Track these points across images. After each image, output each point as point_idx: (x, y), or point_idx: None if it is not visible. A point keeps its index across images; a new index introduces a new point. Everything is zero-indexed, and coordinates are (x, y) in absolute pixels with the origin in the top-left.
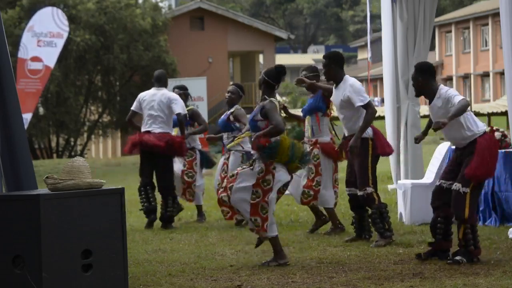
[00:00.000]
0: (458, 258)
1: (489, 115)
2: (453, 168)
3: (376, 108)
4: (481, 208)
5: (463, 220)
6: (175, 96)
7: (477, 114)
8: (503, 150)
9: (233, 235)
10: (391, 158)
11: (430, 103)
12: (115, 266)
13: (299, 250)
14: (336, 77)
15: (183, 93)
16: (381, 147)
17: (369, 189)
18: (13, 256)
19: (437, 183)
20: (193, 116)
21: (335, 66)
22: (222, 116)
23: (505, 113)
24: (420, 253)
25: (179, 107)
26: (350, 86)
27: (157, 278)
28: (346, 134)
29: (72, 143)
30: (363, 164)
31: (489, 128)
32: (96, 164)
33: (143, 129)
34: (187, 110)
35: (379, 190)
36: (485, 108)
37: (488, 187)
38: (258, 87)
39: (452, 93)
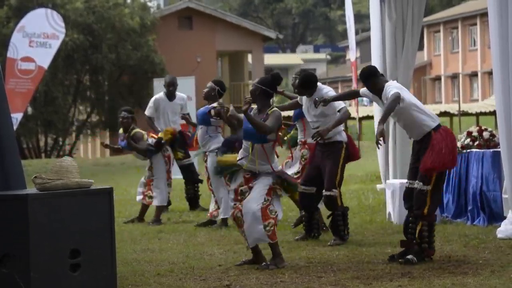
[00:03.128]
0: (409, 257)
1: (478, 114)
2: (415, 165)
3: (365, 107)
4: (469, 208)
5: (421, 216)
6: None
7: (466, 113)
8: (491, 150)
9: (221, 235)
10: (380, 158)
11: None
12: (103, 266)
13: (288, 249)
14: (311, 92)
15: (131, 117)
16: (353, 153)
17: (335, 192)
18: (1, 256)
19: (406, 185)
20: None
21: (314, 85)
22: (203, 108)
23: (493, 113)
24: (393, 254)
25: None
26: (327, 93)
27: (145, 278)
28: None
29: (61, 143)
30: (334, 166)
31: (477, 127)
32: (84, 163)
33: None
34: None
35: (368, 190)
36: (473, 107)
37: (477, 186)
38: (252, 98)
39: (389, 87)
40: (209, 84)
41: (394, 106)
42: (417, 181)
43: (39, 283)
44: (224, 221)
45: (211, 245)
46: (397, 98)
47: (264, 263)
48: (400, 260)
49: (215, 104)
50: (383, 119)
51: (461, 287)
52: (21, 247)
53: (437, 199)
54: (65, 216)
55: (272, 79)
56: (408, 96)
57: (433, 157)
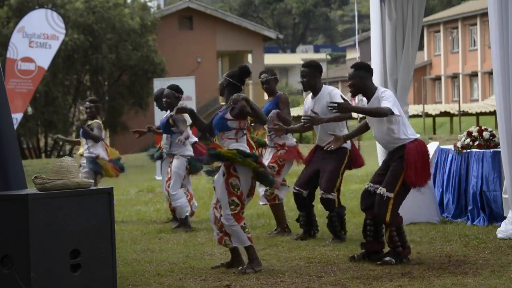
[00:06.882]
0: (387, 259)
1: (478, 114)
2: (383, 172)
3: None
4: (469, 208)
5: (386, 224)
6: None
7: (466, 113)
8: (491, 150)
9: None
10: (380, 158)
11: (368, 101)
12: (103, 266)
13: (288, 249)
14: (316, 87)
15: (94, 106)
16: (356, 161)
17: (334, 196)
18: (1, 256)
19: (365, 187)
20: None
21: (319, 75)
22: (163, 118)
23: (493, 113)
24: (354, 255)
25: None
26: (331, 92)
27: (145, 278)
28: (321, 144)
29: (61, 143)
30: (335, 170)
31: (477, 127)
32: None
33: None
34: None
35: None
36: (473, 107)
37: (477, 186)
38: (220, 92)
39: (385, 93)
40: (167, 91)
41: (378, 115)
42: (381, 187)
43: (39, 283)
44: (183, 220)
45: (211, 245)
46: (387, 113)
47: (241, 267)
48: (378, 262)
49: (173, 113)
50: (359, 111)
51: (461, 287)
52: (21, 247)
53: (398, 205)
54: (65, 216)
55: (239, 72)
56: (399, 110)
57: (414, 173)
